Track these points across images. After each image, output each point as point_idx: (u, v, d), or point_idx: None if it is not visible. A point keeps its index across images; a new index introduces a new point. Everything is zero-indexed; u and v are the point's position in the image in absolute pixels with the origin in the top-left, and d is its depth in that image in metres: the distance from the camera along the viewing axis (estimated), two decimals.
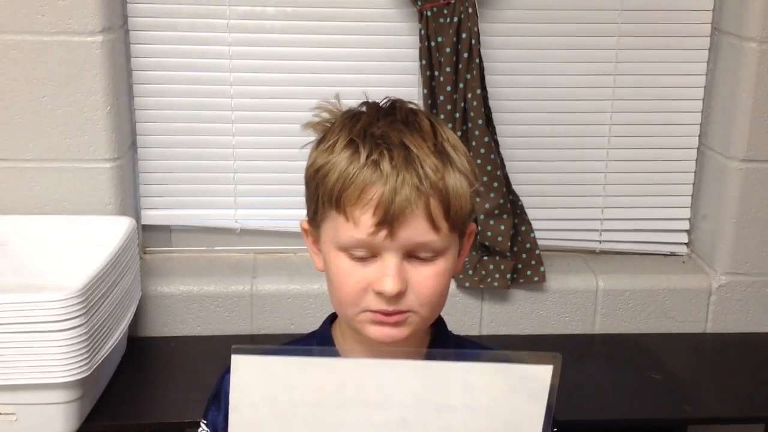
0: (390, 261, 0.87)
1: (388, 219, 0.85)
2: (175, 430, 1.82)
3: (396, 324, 0.89)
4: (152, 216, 1.87)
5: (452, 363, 0.76)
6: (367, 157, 0.86)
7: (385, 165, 0.86)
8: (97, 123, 1.66)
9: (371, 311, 0.89)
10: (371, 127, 0.89)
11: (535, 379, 0.75)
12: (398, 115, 0.92)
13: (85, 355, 1.37)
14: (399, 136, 0.88)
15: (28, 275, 1.62)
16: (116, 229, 1.60)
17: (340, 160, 0.88)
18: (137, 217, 1.82)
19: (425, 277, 0.89)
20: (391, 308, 0.88)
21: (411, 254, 0.88)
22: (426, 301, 0.90)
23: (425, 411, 0.75)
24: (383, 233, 0.86)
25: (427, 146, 0.88)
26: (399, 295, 0.87)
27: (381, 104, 0.95)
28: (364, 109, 0.94)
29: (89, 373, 1.39)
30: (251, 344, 1.71)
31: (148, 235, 1.89)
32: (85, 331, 1.36)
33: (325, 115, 0.95)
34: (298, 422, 0.75)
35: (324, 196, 0.89)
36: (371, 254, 0.88)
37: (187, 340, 1.78)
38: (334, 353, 0.79)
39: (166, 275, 1.81)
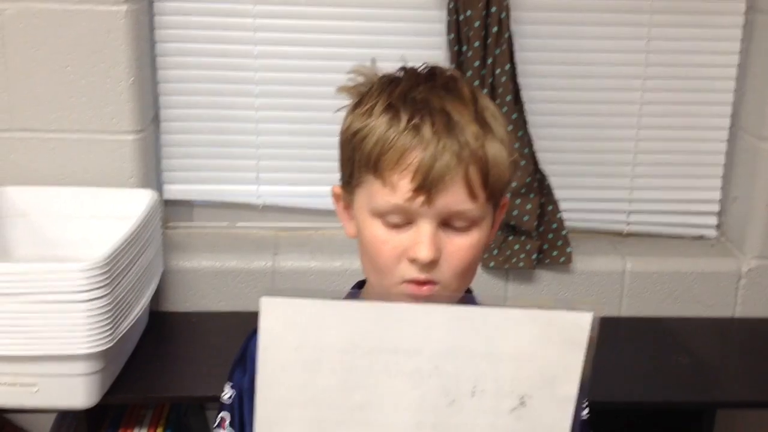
0: (425, 228, 0.86)
1: (427, 185, 0.84)
2: (196, 405, 1.82)
3: (428, 297, 0.88)
4: (174, 190, 1.85)
5: (488, 309, 0.74)
6: (408, 122, 0.85)
7: (426, 130, 0.84)
8: (121, 94, 1.64)
9: (406, 281, 0.87)
10: (411, 92, 0.88)
11: (574, 327, 0.73)
12: (438, 80, 0.90)
13: (108, 327, 1.36)
14: (440, 101, 0.86)
15: (50, 246, 1.61)
16: (139, 202, 1.58)
17: (379, 123, 0.86)
18: (159, 191, 1.80)
19: (458, 247, 0.87)
20: (423, 276, 0.87)
21: (446, 223, 0.87)
22: (458, 272, 0.88)
23: (458, 358, 0.73)
24: (420, 199, 0.84)
25: (468, 113, 0.86)
26: (432, 263, 0.86)
27: (419, 70, 0.93)
28: (401, 74, 0.92)
29: (111, 345, 1.37)
30: None
31: (169, 210, 1.87)
32: (108, 302, 1.35)
33: (360, 79, 0.93)
34: (327, 367, 0.73)
35: (361, 160, 0.87)
36: (406, 221, 0.87)
37: (209, 315, 1.77)
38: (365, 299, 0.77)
39: (188, 250, 1.80)
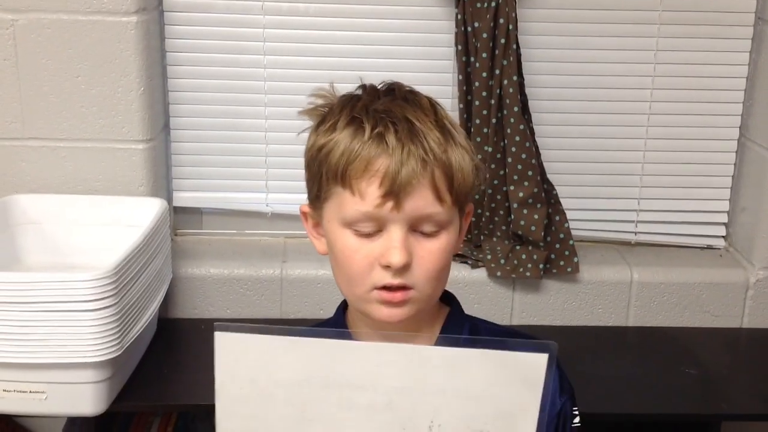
0: (396, 233, 0.89)
1: (395, 190, 0.87)
2: (203, 413, 1.82)
3: (400, 303, 0.91)
4: (184, 198, 1.87)
5: (442, 348, 0.76)
6: (372, 130, 0.88)
7: (391, 138, 0.88)
8: (131, 104, 1.66)
9: (378, 288, 0.90)
10: (373, 104, 0.91)
11: (530, 367, 0.74)
12: (398, 93, 0.94)
13: (116, 336, 1.37)
14: (402, 111, 0.90)
15: (60, 254, 1.63)
16: (148, 210, 1.60)
17: (344, 136, 0.89)
18: (169, 199, 1.82)
19: (429, 251, 0.90)
20: (396, 281, 0.89)
21: (415, 228, 0.90)
22: (430, 276, 0.91)
23: (413, 395, 0.74)
24: (389, 204, 0.87)
25: (429, 121, 0.90)
26: (405, 268, 0.89)
27: (378, 87, 0.97)
28: (360, 91, 0.96)
29: (119, 353, 1.39)
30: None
31: (179, 217, 1.89)
32: (116, 311, 1.36)
33: (320, 101, 0.97)
34: (283, 400, 0.74)
35: (328, 173, 0.90)
36: (377, 228, 0.89)
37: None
38: (321, 334, 0.79)
39: (196, 257, 1.81)
